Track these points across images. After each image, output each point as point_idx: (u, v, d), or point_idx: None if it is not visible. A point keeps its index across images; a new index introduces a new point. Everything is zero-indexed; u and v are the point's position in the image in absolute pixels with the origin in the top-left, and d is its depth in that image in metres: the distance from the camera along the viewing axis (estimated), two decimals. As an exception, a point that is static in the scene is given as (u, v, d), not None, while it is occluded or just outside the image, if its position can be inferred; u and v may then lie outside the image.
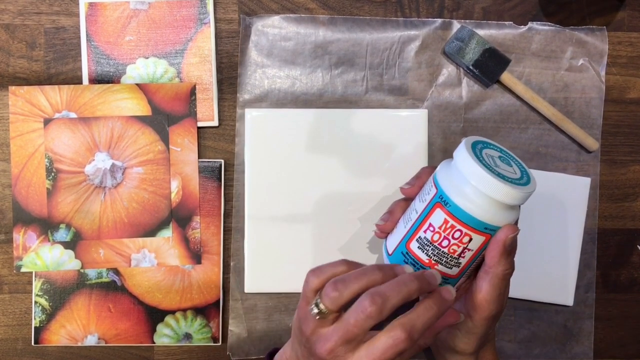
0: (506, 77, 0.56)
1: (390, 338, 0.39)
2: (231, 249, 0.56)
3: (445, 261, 0.43)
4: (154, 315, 0.56)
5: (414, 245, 0.43)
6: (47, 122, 0.56)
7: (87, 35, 0.56)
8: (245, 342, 0.56)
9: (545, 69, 0.57)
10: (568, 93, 0.57)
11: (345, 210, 0.56)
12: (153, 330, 0.56)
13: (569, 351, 0.57)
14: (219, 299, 0.56)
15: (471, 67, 0.56)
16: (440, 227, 0.42)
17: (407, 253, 0.44)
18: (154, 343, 0.56)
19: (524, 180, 0.42)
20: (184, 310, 0.56)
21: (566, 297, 0.57)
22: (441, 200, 0.42)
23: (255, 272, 0.56)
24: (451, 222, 0.41)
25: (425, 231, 0.43)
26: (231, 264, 0.56)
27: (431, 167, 0.47)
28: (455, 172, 0.42)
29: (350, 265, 0.44)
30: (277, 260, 0.56)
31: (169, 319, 0.56)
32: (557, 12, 0.58)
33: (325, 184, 0.56)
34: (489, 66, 0.56)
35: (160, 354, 0.57)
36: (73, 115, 0.56)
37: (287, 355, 0.46)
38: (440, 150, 0.57)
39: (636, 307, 0.58)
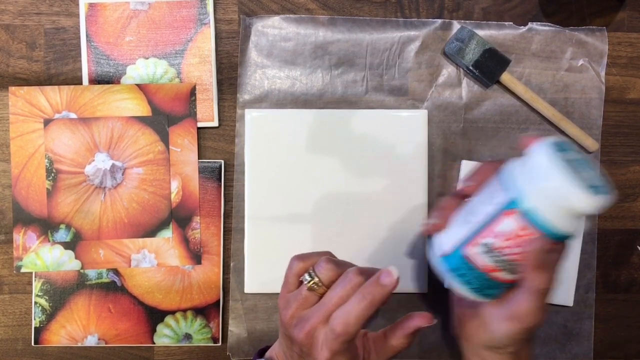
0: (506, 77, 0.56)
1: (330, 332, 0.40)
2: (231, 249, 0.56)
3: (510, 268, 0.40)
4: (154, 316, 0.56)
5: (474, 250, 0.40)
6: (47, 122, 0.56)
7: (87, 35, 0.56)
8: (245, 342, 0.56)
9: (545, 70, 0.57)
10: (568, 93, 0.57)
11: (345, 210, 0.56)
12: (153, 331, 0.56)
13: (569, 351, 0.57)
14: (219, 300, 0.56)
15: (471, 68, 0.56)
16: (512, 235, 0.39)
17: (464, 257, 0.41)
18: (154, 343, 0.56)
19: (605, 187, 0.38)
20: (184, 310, 0.56)
21: (566, 297, 0.57)
22: (518, 207, 0.38)
23: (255, 272, 0.56)
24: (527, 230, 0.38)
25: (492, 237, 0.39)
26: (231, 264, 0.56)
27: (491, 164, 0.44)
28: (536, 177, 0.38)
29: (334, 257, 0.45)
30: (277, 260, 0.56)
31: (169, 319, 0.56)
32: (557, 13, 0.58)
33: (325, 184, 0.56)
34: (489, 66, 0.56)
35: (160, 354, 0.57)
36: (73, 115, 0.56)
37: (275, 351, 0.46)
38: (440, 150, 0.57)
39: (636, 307, 0.58)
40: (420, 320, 0.44)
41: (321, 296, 0.42)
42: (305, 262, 0.44)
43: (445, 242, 0.43)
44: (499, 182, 0.40)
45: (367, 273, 0.41)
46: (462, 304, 0.47)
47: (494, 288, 0.42)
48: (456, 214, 0.43)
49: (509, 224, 0.39)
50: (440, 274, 0.43)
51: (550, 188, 0.37)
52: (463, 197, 0.44)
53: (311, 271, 0.42)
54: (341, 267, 0.42)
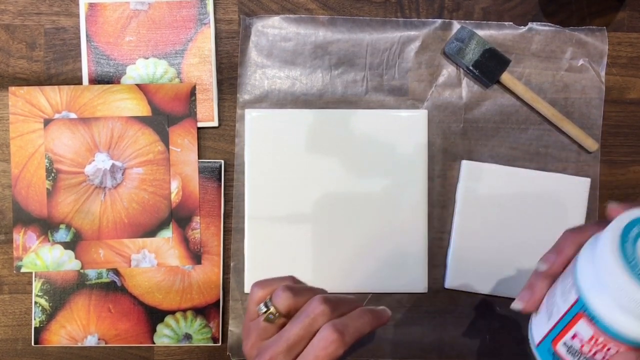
0: (506, 77, 0.56)
1: (321, 340, 0.37)
2: (231, 249, 0.56)
3: None
4: (154, 316, 0.56)
5: (561, 349, 0.35)
6: (47, 122, 0.56)
7: (87, 35, 0.56)
8: (245, 342, 0.56)
9: (545, 70, 0.57)
10: (568, 93, 0.57)
11: (345, 210, 0.56)
12: (153, 331, 0.56)
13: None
14: (219, 300, 0.56)
15: (471, 68, 0.56)
16: (589, 341, 0.33)
17: (554, 354, 0.36)
18: (154, 343, 0.56)
19: None
20: (184, 310, 0.56)
21: (566, 297, 0.56)
22: (586, 312, 0.32)
23: (255, 272, 0.56)
24: (602, 338, 0.32)
25: (572, 338, 0.34)
26: (231, 264, 0.56)
27: (575, 234, 0.37)
28: (600, 276, 0.31)
29: (298, 281, 0.42)
30: (277, 260, 0.56)
31: (169, 319, 0.56)
32: (557, 13, 0.58)
33: (325, 184, 0.56)
34: (489, 66, 0.56)
35: (160, 354, 0.57)
36: (73, 115, 0.56)
37: None
38: (440, 150, 0.57)
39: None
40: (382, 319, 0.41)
41: (281, 326, 0.40)
42: (265, 289, 0.41)
43: (535, 331, 0.38)
44: (570, 278, 0.34)
45: (331, 302, 0.39)
46: None
47: None
48: (546, 298, 0.37)
49: (584, 327, 0.33)
50: None
51: (614, 287, 0.30)
52: (551, 276, 0.38)
53: (268, 301, 0.40)
54: (301, 295, 0.40)
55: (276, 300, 0.39)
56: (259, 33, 0.57)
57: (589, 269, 0.32)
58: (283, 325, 0.39)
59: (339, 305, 0.39)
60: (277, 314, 0.39)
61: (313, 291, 0.40)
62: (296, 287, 0.40)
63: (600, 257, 0.31)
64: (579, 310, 0.33)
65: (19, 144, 0.56)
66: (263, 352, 0.38)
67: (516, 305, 0.39)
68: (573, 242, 0.36)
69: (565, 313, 0.34)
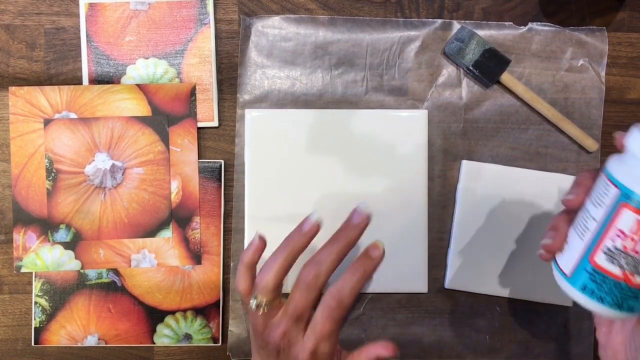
0: (506, 77, 0.56)
1: (324, 309, 0.41)
2: (231, 249, 0.56)
3: None
4: (154, 316, 0.56)
5: (600, 259, 0.37)
6: (47, 122, 0.56)
7: (87, 35, 0.56)
8: (245, 342, 0.56)
9: (545, 70, 0.57)
10: (568, 93, 0.57)
11: (345, 210, 0.56)
12: (153, 331, 0.56)
13: (569, 351, 0.57)
14: (219, 300, 0.56)
15: (471, 68, 0.56)
16: (633, 231, 0.35)
17: (593, 269, 0.37)
18: (154, 343, 0.56)
19: None
20: (184, 310, 0.56)
21: (566, 297, 0.57)
22: (628, 199, 0.35)
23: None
24: None
25: (612, 239, 0.36)
26: (231, 264, 0.56)
27: (591, 171, 0.40)
28: (637, 163, 0.35)
29: (254, 249, 0.45)
30: (277, 260, 0.56)
31: (169, 319, 0.56)
32: (557, 13, 0.58)
33: (325, 184, 0.56)
34: (489, 67, 0.56)
35: (160, 354, 0.57)
36: (73, 115, 0.56)
37: None
38: (440, 150, 0.57)
39: (636, 307, 0.58)
40: (381, 349, 0.44)
41: (279, 304, 0.43)
42: (244, 280, 0.44)
43: (567, 262, 0.39)
44: (604, 182, 0.37)
45: (316, 263, 0.42)
46: (613, 331, 0.41)
47: (636, 298, 0.37)
48: (570, 231, 0.39)
49: (627, 221, 0.35)
50: (573, 299, 0.39)
51: None
52: (570, 212, 0.40)
53: (256, 294, 0.43)
54: (271, 269, 0.43)
55: (259, 291, 0.43)
56: (259, 33, 0.57)
57: (621, 163, 0.36)
58: (280, 303, 0.43)
59: (323, 260, 0.42)
60: (268, 303, 0.43)
61: (277, 259, 0.43)
62: (267, 267, 0.43)
63: (633, 144, 0.35)
64: (620, 201, 0.35)
65: (19, 144, 0.56)
66: (275, 327, 0.42)
67: (545, 241, 0.40)
68: (589, 175, 0.39)
69: (605, 215, 0.36)
